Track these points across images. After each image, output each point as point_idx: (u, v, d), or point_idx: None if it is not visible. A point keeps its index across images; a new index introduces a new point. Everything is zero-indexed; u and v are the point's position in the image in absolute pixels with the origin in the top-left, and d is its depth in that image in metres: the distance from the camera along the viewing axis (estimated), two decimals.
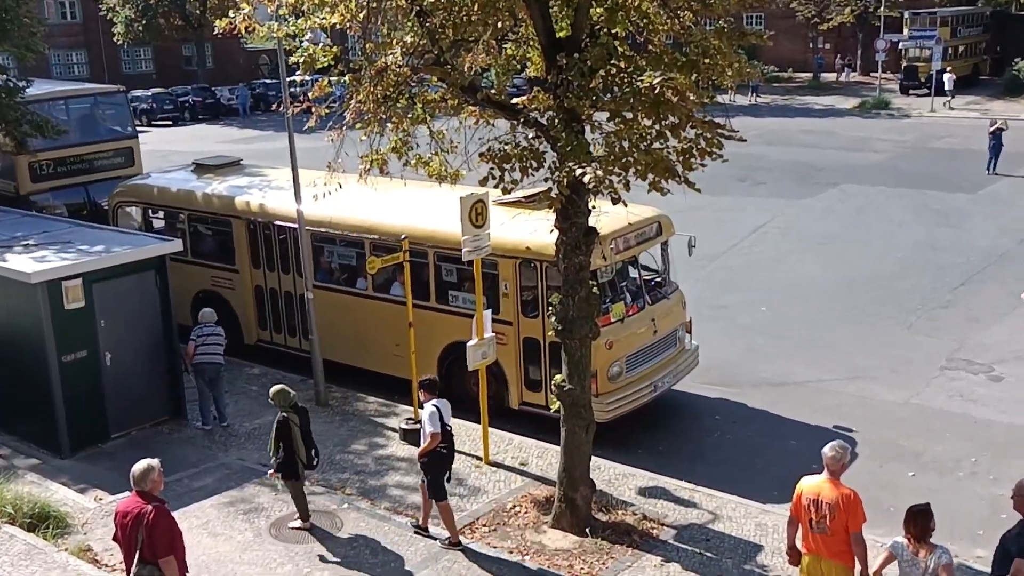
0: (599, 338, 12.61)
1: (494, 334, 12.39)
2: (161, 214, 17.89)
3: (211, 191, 16.99)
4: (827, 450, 8.37)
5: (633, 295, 13.84)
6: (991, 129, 31.06)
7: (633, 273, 14.02)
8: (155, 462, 8.18)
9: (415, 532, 11.00)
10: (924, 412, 14.37)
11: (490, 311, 12.54)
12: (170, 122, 51.51)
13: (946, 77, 46.05)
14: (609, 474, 12.35)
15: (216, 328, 13.86)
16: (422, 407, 10.81)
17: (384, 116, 10.07)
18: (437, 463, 10.64)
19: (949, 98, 46.12)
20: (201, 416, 13.93)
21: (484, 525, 11.19)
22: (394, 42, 9.96)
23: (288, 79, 14.43)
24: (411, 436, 13.26)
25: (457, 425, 13.66)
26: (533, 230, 13.04)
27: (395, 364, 14.35)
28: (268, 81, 58.76)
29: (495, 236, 12.74)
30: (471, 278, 13.80)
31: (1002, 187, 29.13)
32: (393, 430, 13.71)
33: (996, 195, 28.22)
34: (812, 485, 8.40)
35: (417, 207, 14.75)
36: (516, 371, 13.60)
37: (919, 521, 7.79)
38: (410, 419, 13.54)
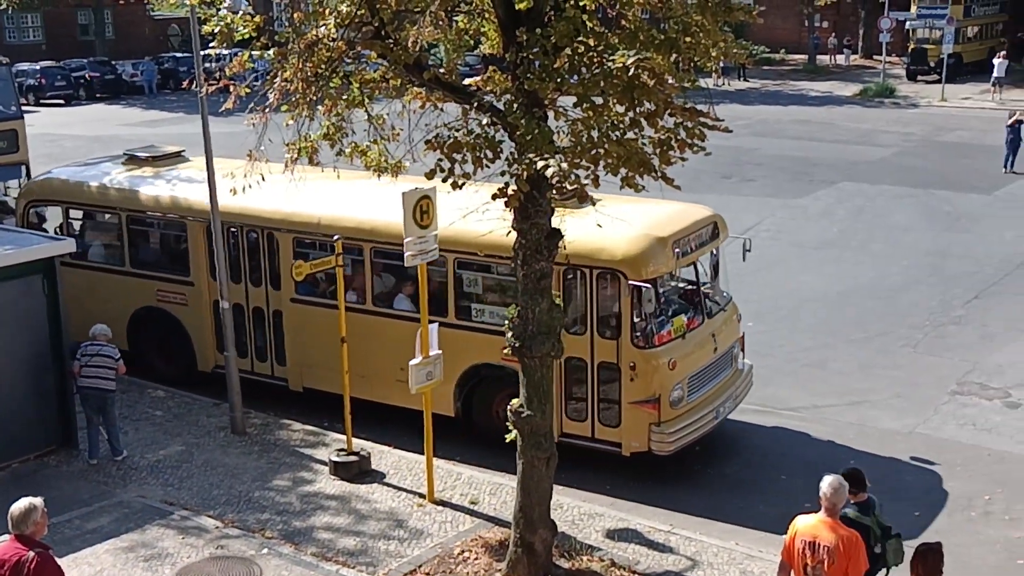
0: (663, 357, 13.00)
1: (441, 352, 12.38)
2: (89, 216, 17.44)
3: (158, 188, 16.46)
4: (825, 486, 8.45)
5: (692, 307, 13.95)
6: (1009, 122, 31.68)
7: (690, 281, 14.12)
8: (38, 501, 8.06)
9: None
10: (931, 443, 14.56)
11: (436, 325, 12.53)
12: (62, 101, 50.98)
13: (996, 62, 45.86)
14: (572, 514, 12.38)
15: (105, 347, 13.64)
16: None
17: (314, 97, 10.01)
18: None
19: (994, 89, 45.79)
20: (89, 448, 13.75)
21: (428, 573, 11.16)
22: (327, 11, 9.91)
23: (202, 53, 14.32)
24: (344, 470, 13.24)
25: (397, 457, 13.72)
26: (574, 235, 13.02)
27: (399, 392, 13.80)
28: (178, 55, 58.38)
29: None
30: (497, 288, 13.81)
31: (1021, 187, 29.72)
32: (322, 462, 13.64)
33: (1014, 196, 28.78)
34: (808, 526, 8.48)
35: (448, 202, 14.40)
36: (556, 397, 13.34)
37: (929, 560, 7.88)
38: (342, 450, 13.49)
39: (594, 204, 12.86)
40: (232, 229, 15.47)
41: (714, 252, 14.45)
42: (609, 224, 13.03)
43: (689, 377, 13.41)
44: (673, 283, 14.04)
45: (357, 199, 14.56)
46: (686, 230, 13.64)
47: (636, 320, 12.98)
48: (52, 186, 17.66)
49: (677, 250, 13.33)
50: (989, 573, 11.37)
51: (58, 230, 17.19)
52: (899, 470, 13.75)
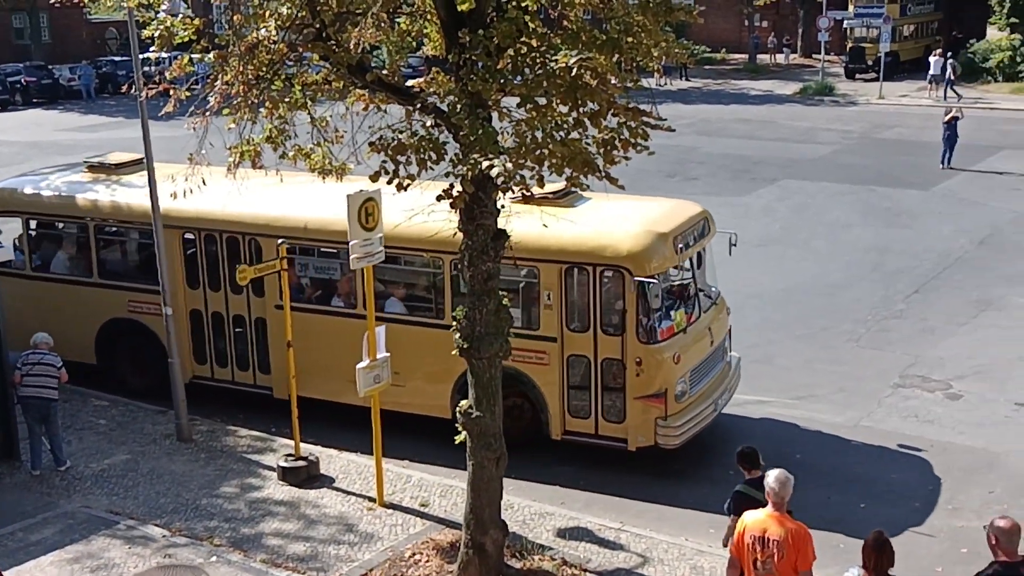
0: (668, 352, 13.19)
1: (388, 354, 12.34)
2: (51, 226, 16.83)
3: (127, 195, 15.86)
4: (771, 480, 8.54)
5: (689, 301, 14.14)
6: (945, 119, 32.17)
7: (687, 276, 14.29)
8: None
9: None
10: (875, 435, 14.76)
11: (383, 328, 12.48)
12: None
13: (932, 60, 46.51)
14: (523, 514, 12.40)
15: (47, 355, 13.43)
16: None
17: (256, 100, 9.95)
18: None
19: (930, 86, 46.34)
20: (31, 458, 13.53)
21: None
22: (267, 14, 9.85)
23: (141, 56, 14.17)
24: (292, 475, 13.16)
25: (346, 461, 13.67)
26: (574, 232, 13.28)
27: (395, 398, 13.71)
28: (117, 59, 57.62)
29: (534, 237, 12.85)
30: (515, 291, 13.72)
31: (958, 183, 30.22)
32: (270, 468, 13.54)
33: (951, 192, 29.25)
34: (756, 521, 8.56)
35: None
36: (559, 395, 13.55)
37: (887, 551, 8.01)
38: (290, 455, 13.40)
39: (534, 203, 12.88)
40: (210, 235, 15.16)
41: (704, 247, 14.67)
42: (609, 221, 13.43)
43: (691, 371, 13.60)
44: (672, 278, 14.16)
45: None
46: (684, 225, 13.84)
47: (641, 316, 13.11)
48: (11, 197, 16.90)
49: (679, 245, 13.53)
50: (934, 562, 11.55)
51: (16, 242, 16.65)
52: (844, 463, 13.93)
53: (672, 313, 13.63)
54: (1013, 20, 51.72)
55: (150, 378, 15.76)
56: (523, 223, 13.05)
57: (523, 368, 13.54)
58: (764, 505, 9.12)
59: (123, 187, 16.36)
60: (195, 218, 14.96)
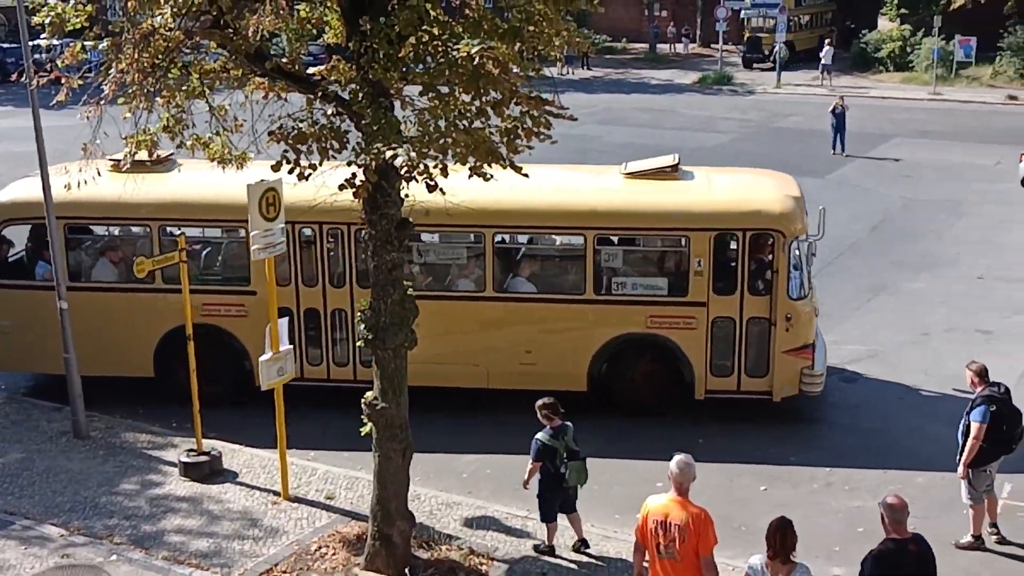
0: (810, 306, 14.29)
1: (291, 346, 12.20)
2: (91, 231, 15.55)
3: (195, 193, 14.42)
4: (673, 466, 8.65)
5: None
6: (831, 108, 33.19)
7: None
8: None
9: None
10: (774, 418, 14.99)
11: (287, 319, 12.33)
12: None
13: (824, 50, 48.10)
14: (430, 504, 12.38)
15: None
16: None
17: (152, 89, 9.74)
18: None
19: (824, 76, 47.88)
20: None
21: (284, 572, 11.02)
22: (163, 0, 9.64)
23: (31, 43, 13.75)
24: (194, 470, 12.95)
25: (249, 455, 13.51)
26: (722, 199, 14.54)
27: (524, 376, 14.11)
28: (5, 46, 55.94)
29: (684, 207, 14.12)
30: (642, 259, 14.82)
31: (851, 170, 30.97)
32: (171, 464, 13.31)
33: (845, 179, 29.97)
34: (658, 506, 8.66)
35: (563, 182, 15.17)
36: (704, 356, 14.25)
37: (785, 536, 8.16)
38: (191, 451, 13.19)
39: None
40: (335, 230, 14.34)
41: None
42: (743, 190, 14.97)
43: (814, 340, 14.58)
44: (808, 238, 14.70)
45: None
46: (800, 191, 15.00)
47: (791, 274, 13.91)
48: (37, 202, 14.11)
49: (806, 208, 14.64)
50: (832, 542, 11.82)
51: (30, 250, 15.50)
52: (744, 446, 14.14)
53: (802, 272, 14.37)
54: (903, 11, 53.17)
55: (219, 385, 14.52)
56: (672, 194, 14.41)
57: (668, 334, 14.21)
58: (560, 452, 10.78)
59: (182, 185, 14.82)
60: (320, 211, 13.65)
